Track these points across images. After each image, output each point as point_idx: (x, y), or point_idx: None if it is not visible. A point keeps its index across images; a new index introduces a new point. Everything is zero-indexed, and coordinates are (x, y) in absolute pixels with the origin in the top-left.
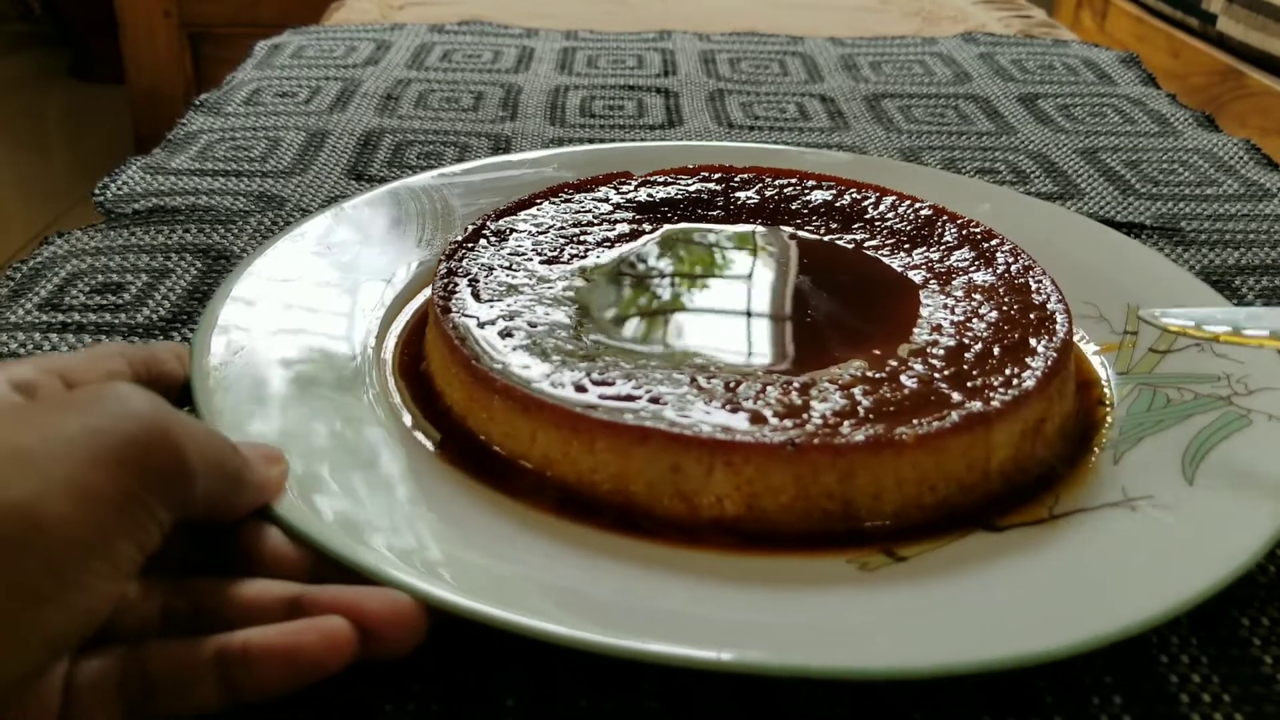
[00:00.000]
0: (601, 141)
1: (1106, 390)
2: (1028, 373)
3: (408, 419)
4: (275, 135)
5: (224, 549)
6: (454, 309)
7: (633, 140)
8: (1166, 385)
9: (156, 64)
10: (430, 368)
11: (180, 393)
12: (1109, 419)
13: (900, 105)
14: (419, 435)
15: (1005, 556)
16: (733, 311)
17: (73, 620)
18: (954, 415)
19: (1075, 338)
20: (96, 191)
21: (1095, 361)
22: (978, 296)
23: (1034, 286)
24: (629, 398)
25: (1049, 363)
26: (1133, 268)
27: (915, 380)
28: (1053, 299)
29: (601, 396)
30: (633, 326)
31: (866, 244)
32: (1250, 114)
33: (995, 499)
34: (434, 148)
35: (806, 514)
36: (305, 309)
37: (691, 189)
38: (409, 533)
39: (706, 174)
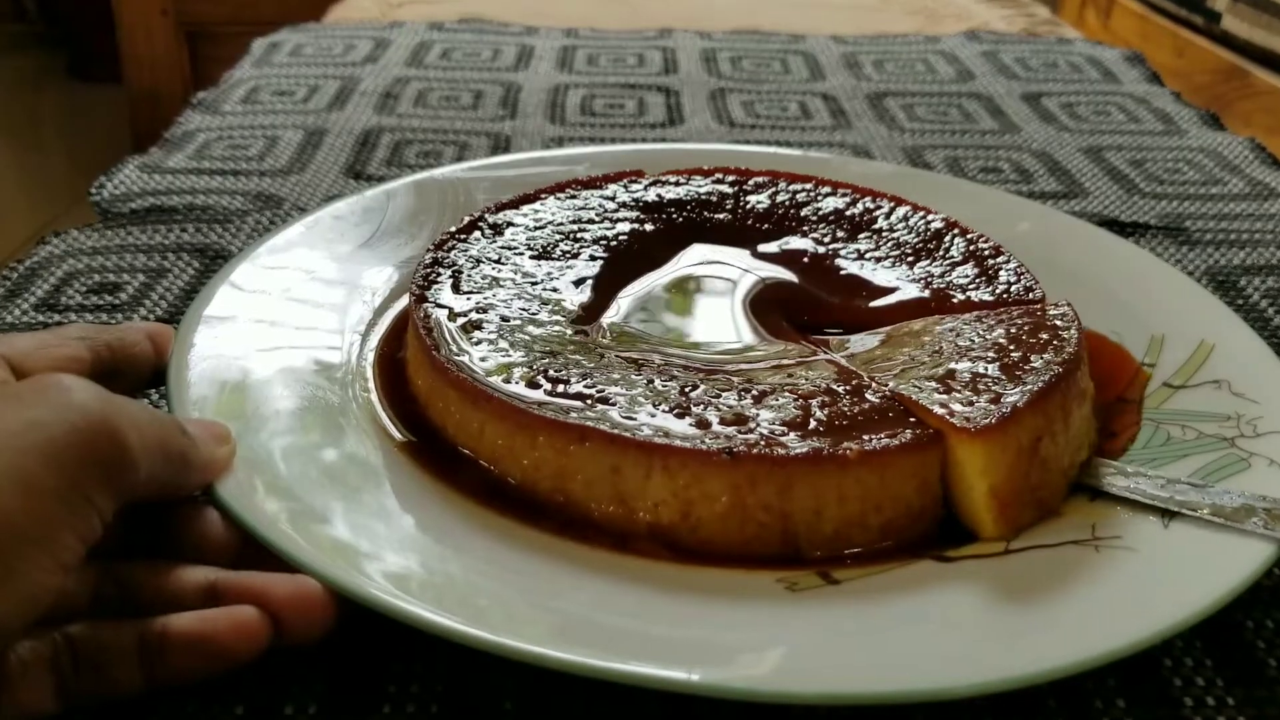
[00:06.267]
0: (602, 141)
1: None
2: (1021, 389)
3: (375, 407)
4: (273, 134)
5: (160, 530)
6: (429, 298)
7: (636, 140)
8: (1171, 422)
9: (154, 63)
10: (405, 355)
11: (153, 372)
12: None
13: (903, 104)
14: (384, 425)
15: (944, 583)
16: (713, 318)
17: (15, 610)
18: (906, 433)
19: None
20: (92, 191)
21: None
22: (970, 314)
23: (1037, 304)
24: (579, 396)
25: (1047, 380)
26: (1165, 298)
27: (878, 395)
28: (1064, 322)
29: (551, 394)
30: (606, 327)
31: (870, 253)
32: (1255, 113)
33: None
34: (433, 146)
35: (742, 525)
36: (299, 300)
37: (702, 190)
38: (343, 523)
39: (720, 176)
